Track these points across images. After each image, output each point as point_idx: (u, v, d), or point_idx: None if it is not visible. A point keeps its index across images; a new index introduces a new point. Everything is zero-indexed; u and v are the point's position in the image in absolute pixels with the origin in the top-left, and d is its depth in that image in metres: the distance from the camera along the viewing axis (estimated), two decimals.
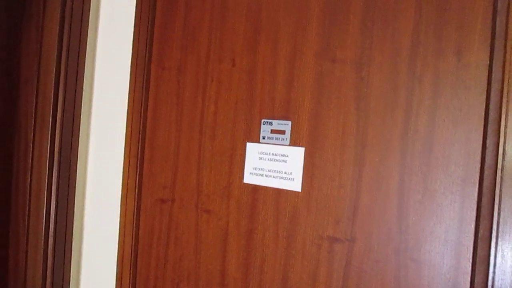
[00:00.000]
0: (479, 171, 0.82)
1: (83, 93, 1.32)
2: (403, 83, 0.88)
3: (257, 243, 1.05)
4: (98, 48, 1.34)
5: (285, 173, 1.01)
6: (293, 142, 1.01)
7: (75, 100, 1.31)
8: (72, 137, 1.31)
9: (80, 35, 1.29)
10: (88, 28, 1.32)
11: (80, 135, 1.33)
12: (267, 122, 1.04)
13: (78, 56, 1.30)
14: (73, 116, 1.31)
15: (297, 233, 1.00)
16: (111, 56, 1.30)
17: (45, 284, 1.27)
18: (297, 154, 1.00)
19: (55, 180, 1.28)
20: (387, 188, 0.89)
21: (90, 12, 1.31)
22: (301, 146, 0.99)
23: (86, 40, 1.32)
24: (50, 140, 1.27)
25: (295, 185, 1.00)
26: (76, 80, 1.29)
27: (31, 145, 1.30)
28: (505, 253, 0.78)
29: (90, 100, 1.34)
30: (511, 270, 0.78)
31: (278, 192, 1.03)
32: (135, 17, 1.25)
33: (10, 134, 1.35)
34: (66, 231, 1.31)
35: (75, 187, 1.33)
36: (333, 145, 0.95)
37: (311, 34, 0.99)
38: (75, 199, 1.32)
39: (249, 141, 1.07)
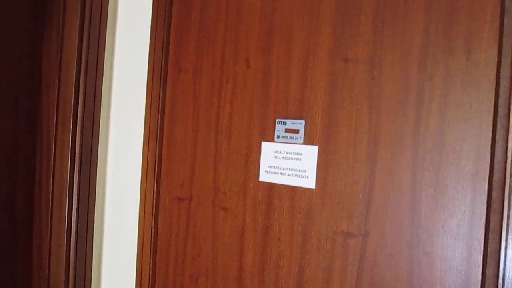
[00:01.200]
0: (489, 165, 0.85)
1: (102, 95, 1.38)
2: (414, 81, 0.92)
3: (273, 239, 1.10)
4: (116, 51, 1.40)
5: (299, 171, 1.06)
6: (307, 141, 1.05)
7: (94, 102, 1.37)
8: (92, 137, 1.37)
9: (99, 39, 1.35)
10: (106, 32, 1.38)
11: (100, 135, 1.39)
12: (281, 121, 1.09)
13: (97, 60, 1.36)
14: (93, 117, 1.37)
15: (312, 228, 1.04)
16: (129, 59, 1.36)
17: (68, 279, 1.34)
18: (311, 152, 1.04)
19: (77, 179, 1.34)
20: (400, 183, 0.93)
21: (108, 16, 1.37)
22: (315, 145, 1.04)
23: (105, 44, 1.38)
24: (71, 141, 1.34)
25: (310, 183, 1.04)
26: (95, 83, 1.35)
27: (53, 146, 1.37)
28: None
29: (109, 102, 1.40)
30: None
31: (293, 189, 1.07)
32: (152, 20, 1.31)
33: (34, 136, 1.42)
34: (87, 228, 1.37)
35: (95, 185, 1.39)
36: (346, 143, 1.00)
37: (323, 35, 1.03)
38: (96, 197, 1.39)
39: (264, 140, 1.12)
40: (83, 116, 1.34)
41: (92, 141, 1.37)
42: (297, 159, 1.06)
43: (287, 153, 1.08)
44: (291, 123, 1.07)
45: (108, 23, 1.37)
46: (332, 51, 1.02)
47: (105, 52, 1.38)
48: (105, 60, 1.38)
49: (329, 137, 1.02)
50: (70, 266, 1.34)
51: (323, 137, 1.03)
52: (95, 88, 1.36)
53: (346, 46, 1.00)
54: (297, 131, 1.06)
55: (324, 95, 1.03)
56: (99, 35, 1.35)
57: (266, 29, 1.12)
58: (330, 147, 1.02)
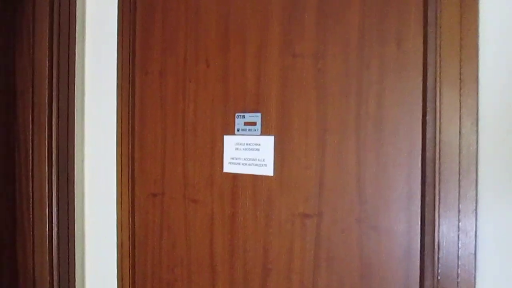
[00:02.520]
0: (421, 144, 0.95)
1: (75, 100, 1.47)
2: (353, 71, 1.02)
3: (239, 225, 1.19)
4: (86, 58, 1.48)
5: (258, 160, 1.15)
6: (264, 132, 1.15)
7: (68, 107, 1.45)
8: (68, 142, 1.46)
9: (69, 46, 1.44)
10: (75, 39, 1.46)
11: (75, 140, 1.48)
12: (240, 115, 1.18)
13: (68, 65, 1.44)
14: (68, 122, 1.45)
15: (273, 213, 1.14)
16: (99, 65, 1.45)
17: (52, 277, 1.42)
18: (268, 143, 1.14)
19: (55, 183, 1.42)
20: (346, 165, 1.03)
21: (77, 26, 1.45)
22: (271, 135, 1.13)
23: (75, 50, 1.47)
24: (48, 146, 1.42)
25: (268, 170, 1.14)
26: (68, 88, 1.44)
27: (31, 152, 1.45)
28: (448, 215, 0.92)
29: (82, 106, 1.49)
30: (455, 229, 0.91)
31: (254, 177, 1.17)
32: (118, 27, 1.39)
33: (11, 142, 1.50)
34: (68, 229, 1.46)
35: (74, 188, 1.48)
36: (298, 132, 1.09)
37: (273, 33, 1.13)
38: (75, 199, 1.47)
39: (226, 134, 1.21)
40: (58, 122, 1.42)
41: (68, 145, 1.46)
42: (256, 149, 1.16)
43: (247, 144, 1.17)
44: (249, 116, 1.17)
45: (77, 32, 1.46)
46: (282, 48, 1.12)
47: (76, 59, 1.46)
48: (76, 67, 1.46)
49: (283, 127, 1.11)
50: (54, 265, 1.43)
51: (278, 127, 1.12)
52: (68, 94, 1.45)
53: (293, 43, 1.10)
54: (254, 124, 1.16)
55: (276, 88, 1.12)
56: (68, 42, 1.44)
57: (222, 31, 1.21)
58: (284, 137, 1.11)
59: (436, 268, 0.93)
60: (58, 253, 1.43)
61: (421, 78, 0.95)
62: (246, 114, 1.17)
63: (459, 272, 0.90)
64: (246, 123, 1.17)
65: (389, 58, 0.98)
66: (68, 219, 1.46)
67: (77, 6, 1.45)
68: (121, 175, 1.41)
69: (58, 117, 1.42)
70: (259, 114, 1.15)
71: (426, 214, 0.95)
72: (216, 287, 1.23)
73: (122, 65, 1.40)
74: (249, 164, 1.17)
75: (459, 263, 0.90)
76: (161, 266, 1.35)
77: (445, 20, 0.91)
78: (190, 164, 1.28)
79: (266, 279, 1.14)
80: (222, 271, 1.23)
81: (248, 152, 1.17)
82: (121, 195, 1.41)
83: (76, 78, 1.45)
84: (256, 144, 1.15)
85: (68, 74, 1.43)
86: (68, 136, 1.45)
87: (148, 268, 1.38)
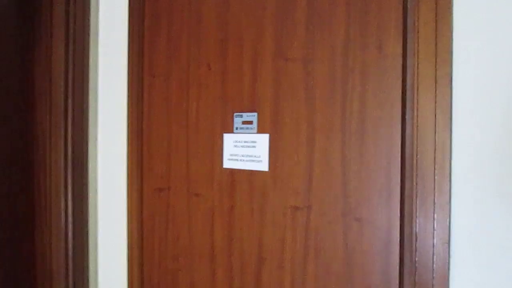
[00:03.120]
0: (400, 142, 1.03)
1: (89, 101, 1.58)
2: (339, 74, 1.10)
3: (236, 217, 1.28)
4: (100, 62, 1.60)
5: (255, 156, 1.24)
6: (260, 130, 1.24)
7: (82, 108, 1.57)
8: (82, 140, 1.57)
9: (83, 53, 1.56)
10: (89, 46, 1.58)
11: (89, 139, 1.60)
12: (238, 115, 1.28)
13: (82, 70, 1.56)
14: (82, 123, 1.57)
15: (267, 205, 1.22)
16: (111, 69, 1.56)
17: (67, 267, 1.54)
18: (263, 140, 1.23)
19: (70, 179, 1.54)
20: (333, 161, 1.11)
21: (90, 33, 1.57)
22: (266, 133, 1.22)
23: (89, 56, 1.58)
24: (64, 145, 1.54)
25: (263, 166, 1.23)
26: (82, 91, 1.56)
27: (48, 150, 1.57)
28: (424, 207, 0.99)
29: (96, 108, 1.60)
30: (430, 220, 0.98)
31: (251, 173, 1.26)
32: (128, 35, 1.50)
33: (30, 141, 1.62)
34: (82, 222, 1.57)
35: (87, 183, 1.59)
36: (290, 130, 1.18)
37: (267, 40, 1.22)
38: (89, 193, 1.59)
39: (225, 132, 1.30)
40: (73, 122, 1.54)
41: (82, 144, 1.57)
42: (253, 146, 1.25)
43: (244, 142, 1.26)
44: (246, 116, 1.26)
45: (91, 39, 1.57)
46: (275, 53, 1.21)
47: (89, 64, 1.58)
48: (90, 70, 1.58)
49: (277, 125, 1.20)
50: (69, 254, 1.54)
51: (272, 126, 1.21)
52: (82, 96, 1.57)
53: (285, 48, 1.19)
54: (251, 122, 1.25)
55: (270, 90, 1.21)
56: (83, 49, 1.55)
57: (221, 38, 1.31)
58: (278, 135, 1.20)
59: (414, 256, 1.00)
60: (73, 244, 1.54)
61: (400, 80, 1.03)
62: (244, 114, 1.26)
63: (434, 259, 0.98)
64: (243, 122, 1.26)
65: (371, 62, 1.06)
66: (82, 212, 1.57)
67: (90, 16, 1.56)
68: (131, 171, 1.51)
69: (73, 117, 1.53)
70: (255, 114, 1.24)
71: (405, 206, 1.02)
72: (216, 275, 1.33)
73: (132, 69, 1.50)
74: (246, 160, 1.26)
75: (434, 251, 0.98)
76: (167, 255, 1.45)
77: (422, 26, 0.99)
78: (193, 160, 1.37)
79: (261, 267, 1.23)
80: (221, 260, 1.32)
81: (246, 149, 1.26)
82: (131, 190, 1.51)
83: (90, 82, 1.57)
84: (253, 142, 1.24)
85: (82, 78, 1.54)
86: (83, 136, 1.57)
87: (155, 258, 1.48)
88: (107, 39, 1.57)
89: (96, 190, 1.60)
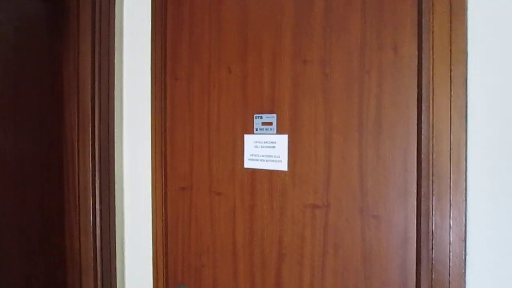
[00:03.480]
0: (416, 141, 1.05)
1: (115, 104, 1.65)
2: (356, 75, 1.13)
3: (257, 215, 1.33)
4: (124, 66, 1.67)
5: (274, 156, 1.28)
6: (279, 131, 1.28)
7: (108, 111, 1.64)
8: (108, 141, 1.64)
9: (109, 57, 1.62)
10: (114, 51, 1.65)
11: (115, 140, 1.66)
12: (258, 116, 1.32)
13: (108, 74, 1.63)
14: (108, 125, 1.64)
15: (287, 204, 1.26)
16: (135, 72, 1.63)
17: (96, 262, 1.61)
18: (282, 140, 1.27)
19: (98, 177, 1.61)
20: (350, 160, 1.14)
21: (115, 37, 1.64)
22: (285, 134, 1.26)
23: (114, 60, 1.65)
24: (91, 145, 1.61)
25: (283, 166, 1.27)
26: (108, 94, 1.63)
27: (77, 150, 1.65)
28: (440, 205, 1.01)
29: (121, 110, 1.67)
30: (447, 218, 1.01)
31: (270, 172, 1.30)
32: (151, 38, 1.56)
33: (60, 143, 1.70)
34: (109, 218, 1.64)
35: (114, 182, 1.66)
36: (308, 131, 1.22)
37: (286, 43, 1.26)
38: (115, 191, 1.66)
39: (246, 133, 1.35)
40: (100, 123, 1.61)
41: (108, 145, 1.65)
42: (272, 146, 1.29)
43: (264, 142, 1.31)
44: (266, 117, 1.30)
45: (116, 44, 1.64)
46: (293, 55, 1.24)
47: (115, 68, 1.64)
48: (115, 74, 1.65)
49: (295, 126, 1.24)
50: (97, 249, 1.62)
51: (291, 127, 1.25)
52: (108, 99, 1.64)
53: (303, 51, 1.23)
54: (271, 124, 1.29)
55: (289, 91, 1.25)
56: (108, 54, 1.62)
57: (242, 41, 1.35)
58: (296, 135, 1.24)
59: (431, 254, 1.03)
60: (101, 241, 1.61)
61: (416, 80, 1.05)
62: (263, 115, 1.30)
63: (450, 256, 1.00)
64: (263, 123, 1.30)
65: (387, 63, 1.09)
66: (109, 209, 1.64)
67: (115, 21, 1.63)
68: (155, 171, 1.57)
69: (100, 119, 1.61)
70: (274, 115, 1.28)
71: (421, 204, 1.05)
72: (237, 271, 1.37)
73: (155, 72, 1.56)
74: (267, 160, 1.30)
75: (451, 248, 1.00)
76: (190, 252, 1.51)
77: (437, 27, 1.01)
78: (215, 160, 1.42)
79: (281, 263, 1.27)
80: (242, 257, 1.36)
81: (265, 149, 1.30)
82: (155, 189, 1.58)
83: (115, 85, 1.64)
84: (272, 142, 1.28)
85: (108, 82, 1.61)
86: (109, 137, 1.64)
87: (179, 255, 1.54)
88: (131, 44, 1.63)
89: (122, 189, 1.67)
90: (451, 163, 0.99)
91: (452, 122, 0.99)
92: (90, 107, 1.59)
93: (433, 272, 1.02)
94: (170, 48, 1.54)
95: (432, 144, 1.02)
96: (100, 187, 1.61)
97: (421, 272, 1.04)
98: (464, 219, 0.98)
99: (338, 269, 1.17)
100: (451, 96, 0.99)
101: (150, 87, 1.58)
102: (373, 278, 1.12)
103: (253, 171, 1.33)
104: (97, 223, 1.60)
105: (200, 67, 1.45)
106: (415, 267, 1.06)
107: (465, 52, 0.98)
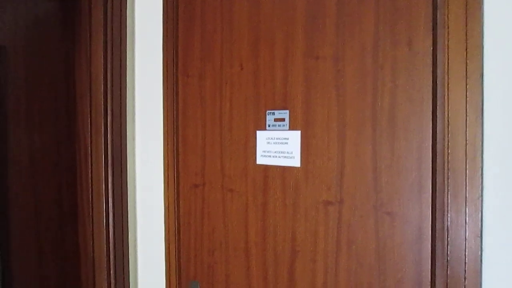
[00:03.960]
0: (431, 137, 1.05)
1: (127, 102, 1.66)
2: (369, 71, 1.13)
3: (270, 212, 1.33)
4: (136, 64, 1.68)
5: (287, 153, 1.29)
6: (292, 127, 1.28)
7: (121, 109, 1.65)
8: (121, 139, 1.66)
9: (120, 56, 1.64)
10: (126, 50, 1.66)
11: (127, 138, 1.68)
12: (270, 112, 1.32)
13: (120, 73, 1.64)
14: (120, 122, 1.65)
15: (300, 200, 1.27)
16: (147, 70, 1.64)
17: (109, 259, 1.63)
18: (295, 137, 1.27)
19: (110, 175, 1.63)
20: (364, 156, 1.14)
21: (127, 37, 1.65)
22: (298, 130, 1.26)
23: (126, 59, 1.66)
24: (104, 144, 1.62)
25: (296, 162, 1.27)
26: (120, 93, 1.64)
27: (90, 149, 1.66)
28: (456, 201, 1.01)
29: (133, 108, 1.68)
30: (462, 214, 1.00)
31: (283, 169, 1.30)
32: (163, 36, 1.57)
33: (73, 140, 1.72)
34: (122, 216, 1.66)
35: (127, 180, 1.67)
36: (321, 127, 1.22)
37: (298, 39, 1.26)
38: (128, 189, 1.67)
39: (258, 129, 1.35)
40: (112, 122, 1.62)
41: (121, 142, 1.66)
42: (285, 143, 1.29)
43: (276, 138, 1.31)
44: (278, 113, 1.30)
45: (128, 43, 1.65)
46: (306, 52, 1.24)
47: (127, 67, 1.66)
48: (127, 72, 1.66)
49: (308, 122, 1.24)
50: (110, 247, 1.63)
51: (303, 123, 1.25)
52: (121, 97, 1.65)
53: (316, 47, 1.22)
54: (283, 120, 1.29)
55: (302, 88, 1.25)
56: (120, 53, 1.63)
57: (253, 38, 1.36)
58: (309, 131, 1.24)
59: (446, 250, 1.02)
60: (114, 237, 1.63)
61: (430, 76, 1.04)
62: (276, 111, 1.30)
63: (466, 253, 0.99)
64: (275, 120, 1.30)
65: (401, 58, 1.08)
66: (122, 207, 1.66)
67: (127, 20, 1.64)
68: (168, 168, 1.58)
69: (112, 118, 1.62)
70: (287, 111, 1.28)
71: (436, 200, 1.04)
72: (250, 268, 1.38)
73: (167, 70, 1.57)
74: (279, 157, 1.30)
75: (466, 244, 0.99)
76: (203, 249, 1.51)
77: (452, 22, 1.01)
78: (227, 157, 1.43)
79: (294, 260, 1.28)
80: (255, 254, 1.37)
81: (278, 146, 1.30)
82: (168, 186, 1.59)
83: (127, 83, 1.65)
84: (285, 138, 1.29)
85: (120, 80, 1.62)
86: (121, 135, 1.65)
87: (192, 251, 1.55)
88: (143, 42, 1.64)
89: (134, 187, 1.68)
90: (467, 159, 0.99)
91: (468, 118, 0.98)
92: (102, 106, 1.60)
93: (448, 269, 1.01)
94: (181, 46, 1.54)
95: (448, 139, 1.01)
96: (112, 184, 1.63)
97: (436, 269, 1.04)
98: (480, 215, 0.98)
99: (352, 266, 1.17)
100: (466, 91, 0.99)
101: (162, 84, 1.59)
102: (387, 275, 1.12)
103: (266, 167, 1.34)
104: (110, 220, 1.62)
105: (212, 64, 1.46)
106: (430, 264, 1.06)
107: (481, 47, 0.97)
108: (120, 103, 1.65)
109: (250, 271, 1.38)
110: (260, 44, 1.34)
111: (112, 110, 1.61)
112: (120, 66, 1.63)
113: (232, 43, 1.41)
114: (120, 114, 1.65)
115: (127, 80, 1.65)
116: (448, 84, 1.01)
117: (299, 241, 1.27)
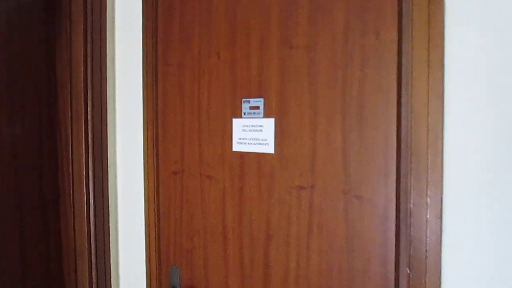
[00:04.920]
0: (396, 124, 1.11)
1: (108, 91, 1.70)
2: (340, 60, 1.18)
3: (246, 197, 1.38)
4: (116, 54, 1.71)
5: (262, 140, 1.34)
6: (266, 115, 1.33)
7: (101, 98, 1.69)
8: (101, 128, 1.70)
9: (101, 45, 1.67)
10: (107, 36, 1.69)
11: (108, 125, 1.71)
12: (246, 100, 1.37)
13: (101, 62, 1.67)
14: (101, 111, 1.69)
15: (274, 186, 1.32)
16: (127, 59, 1.67)
17: (90, 246, 1.67)
18: (269, 124, 1.32)
19: (91, 163, 1.67)
20: (334, 143, 1.20)
21: (107, 25, 1.68)
22: (272, 118, 1.31)
23: (106, 48, 1.70)
24: (84, 132, 1.66)
25: (270, 149, 1.32)
26: (101, 81, 1.67)
27: (70, 137, 1.70)
28: (418, 185, 1.07)
29: (114, 97, 1.72)
30: (424, 197, 1.06)
31: (258, 155, 1.35)
32: (143, 25, 1.61)
33: (54, 130, 1.75)
34: (103, 203, 1.70)
35: (108, 168, 1.72)
36: (294, 114, 1.27)
37: (273, 28, 1.30)
38: (109, 177, 1.71)
39: (234, 117, 1.40)
40: (93, 111, 1.66)
41: (102, 132, 1.70)
42: (260, 130, 1.34)
43: (252, 126, 1.36)
44: (253, 101, 1.35)
45: (108, 32, 1.68)
46: (280, 41, 1.29)
47: (107, 55, 1.69)
48: (107, 61, 1.69)
49: (282, 110, 1.29)
50: (91, 234, 1.68)
51: (278, 111, 1.30)
52: (101, 86, 1.68)
53: (290, 36, 1.27)
54: (258, 108, 1.34)
55: (276, 76, 1.30)
56: (100, 41, 1.67)
57: (230, 27, 1.40)
58: (283, 119, 1.29)
59: (409, 231, 1.08)
60: (95, 223, 1.67)
61: (396, 65, 1.10)
62: (251, 99, 1.35)
63: (427, 233, 1.06)
64: (251, 107, 1.35)
65: (369, 48, 1.14)
66: (102, 195, 1.70)
67: (107, 8, 1.67)
68: (148, 156, 1.63)
69: (93, 106, 1.66)
70: (262, 99, 1.33)
71: (401, 184, 1.10)
72: (227, 252, 1.44)
73: (147, 59, 1.61)
74: (254, 143, 1.35)
75: (428, 225, 1.06)
76: (182, 235, 1.57)
77: (416, 12, 1.06)
78: (205, 144, 1.48)
79: (269, 244, 1.33)
80: (232, 239, 1.42)
81: (253, 133, 1.35)
82: (148, 173, 1.63)
83: (107, 72, 1.68)
84: (260, 126, 1.34)
85: (101, 68, 1.66)
86: (102, 123, 1.69)
87: (171, 237, 1.60)
88: (123, 30, 1.68)
89: (115, 174, 1.73)
90: (429, 145, 1.05)
91: (430, 105, 1.04)
92: (83, 94, 1.64)
93: (411, 248, 1.08)
94: (161, 35, 1.58)
95: (411, 126, 1.07)
96: (93, 173, 1.67)
97: (400, 249, 1.11)
98: (440, 197, 1.04)
99: (323, 247, 1.23)
100: (429, 80, 1.04)
101: (142, 73, 1.62)
102: (356, 255, 1.18)
103: (242, 154, 1.39)
104: (91, 209, 1.66)
105: (191, 54, 1.50)
106: (394, 244, 1.12)
107: (442, 36, 1.03)
108: (101, 92, 1.68)
109: (227, 255, 1.43)
110: (237, 33, 1.38)
111: (92, 99, 1.65)
112: (100, 53, 1.67)
113: (210, 33, 1.45)
114: (101, 103, 1.68)
115: (108, 69, 1.69)
116: (412, 73, 1.07)
117: (273, 225, 1.32)
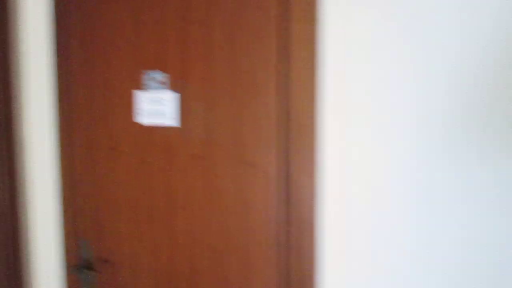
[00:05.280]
0: (280, 97, 1.21)
1: (14, 65, 1.69)
2: (230, 34, 1.26)
3: (152, 168, 1.45)
4: (23, 28, 1.70)
5: (165, 113, 1.40)
6: (170, 88, 1.39)
7: (6, 71, 1.67)
8: (9, 104, 1.69)
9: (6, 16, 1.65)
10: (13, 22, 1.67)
11: (15, 102, 1.71)
12: (150, 74, 1.42)
13: (6, 34, 1.65)
14: (7, 85, 1.68)
15: (177, 155, 1.39)
16: (34, 35, 1.66)
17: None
18: (173, 98, 1.38)
19: None
20: (228, 116, 1.29)
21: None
22: (174, 91, 1.38)
23: (11, 20, 1.68)
24: None
25: (172, 121, 1.39)
26: (5, 53, 1.66)
27: None
28: (299, 151, 1.18)
29: (20, 71, 1.71)
30: (303, 161, 1.18)
31: (164, 128, 1.42)
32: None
33: None
34: (11, 182, 1.70)
35: (17, 143, 1.72)
36: (194, 88, 1.34)
37: (174, 4, 1.36)
38: (16, 154, 1.71)
39: (139, 90, 1.45)
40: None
41: (8, 106, 1.69)
42: (164, 104, 1.40)
43: (156, 99, 1.42)
44: (157, 75, 1.41)
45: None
46: (180, 17, 1.35)
47: (12, 29, 1.67)
48: (13, 36, 1.67)
49: (183, 84, 1.36)
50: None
51: (179, 84, 1.37)
52: (6, 59, 1.67)
53: (188, 11, 1.33)
54: (161, 82, 1.40)
55: (178, 51, 1.36)
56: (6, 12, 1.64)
57: (133, 5, 1.44)
58: (184, 92, 1.36)
59: (290, 192, 1.21)
60: (3, 198, 1.68)
61: (280, 39, 1.19)
62: (156, 74, 1.41)
63: (305, 193, 1.18)
64: (156, 81, 1.41)
65: (255, 23, 1.23)
66: (9, 172, 1.70)
67: None
68: (60, 131, 1.64)
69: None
70: (165, 74, 1.39)
71: (283, 152, 1.21)
72: (139, 222, 1.50)
73: (56, 32, 1.61)
74: (158, 116, 1.41)
75: (306, 188, 1.18)
76: (96, 208, 1.61)
77: None
78: (112, 118, 1.52)
79: (176, 213, 1.42)
80: (142, 208, 1.49)
81: (157, 107, 1.41)
82: (61, 148, 1.65)
83: (13, 44, 1.67)
84: (163, 99, 1.40)
85: (6, 41, 1.64)
86: (8, 97, 1.68)
87: (86, 211, 1.63)
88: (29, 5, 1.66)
89: (24, 151, 1.73)
90: (307, 115, 1.16)
91: (308, 78, 1.15)
92: None
93: (290, 205, 1.20)
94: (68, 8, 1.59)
95: (293, 98, 1.18)
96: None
97: (287, 208, 1.23)
98: (315, 161, 1.16)
99: (222, 212, 1.33)
100: (308, 56, 1.15)
101: (51, 46, 1.63)
102: (250, 218, 1.29)
103: (146, 127, 1.45)
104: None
105: (100, 27, 1.52)
106: (279, 204, 1.24)
107: (319, 12, 1.13)
108: (6, 62, 1.66)
109: (137, 225, 1.50)
110: (140, 10, 1.42)
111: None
112: (6, 27, 1.64)
113: (115, 11, 1.47)
114: (7, 75, 1.67)
115: (13, 42, 1.67)
116: (292, 47, 1.17)
117: (173, 189, 1.41)
